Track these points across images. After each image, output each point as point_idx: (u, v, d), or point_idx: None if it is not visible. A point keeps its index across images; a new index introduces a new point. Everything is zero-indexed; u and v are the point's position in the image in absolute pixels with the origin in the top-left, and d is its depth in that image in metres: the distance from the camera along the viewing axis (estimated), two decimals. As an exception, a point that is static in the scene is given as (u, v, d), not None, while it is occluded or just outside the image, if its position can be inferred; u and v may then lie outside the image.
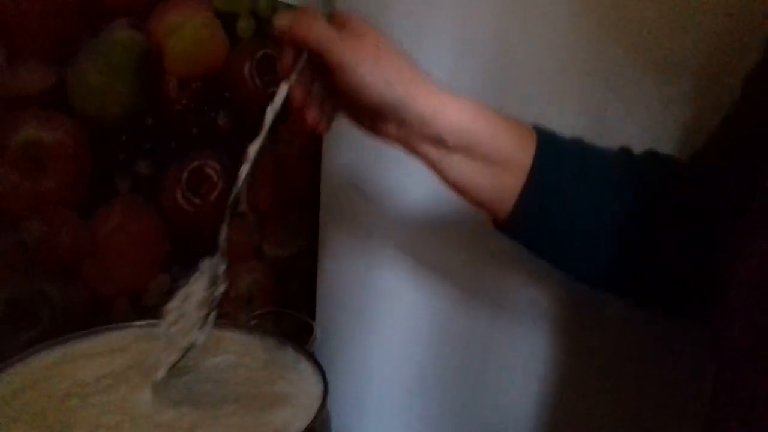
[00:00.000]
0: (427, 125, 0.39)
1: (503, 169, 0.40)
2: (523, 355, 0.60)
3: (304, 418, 0.39)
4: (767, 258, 0.28)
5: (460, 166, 0.40)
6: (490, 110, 0.41)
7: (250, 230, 0.75)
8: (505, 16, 0.56)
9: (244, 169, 0.43)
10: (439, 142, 0.39)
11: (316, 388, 0.43)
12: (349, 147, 0.68)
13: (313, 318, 0.75)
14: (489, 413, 0.63)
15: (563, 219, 0.42)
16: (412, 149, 0.41)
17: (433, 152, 0.40)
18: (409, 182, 0.62)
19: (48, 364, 0.44)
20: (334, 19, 0.40)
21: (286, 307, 0.78)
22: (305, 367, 0.46)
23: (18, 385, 0.41)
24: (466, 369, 0.64)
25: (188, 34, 0.62)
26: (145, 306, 0.64)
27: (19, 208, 0.52)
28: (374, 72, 0.37)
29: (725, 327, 0.30)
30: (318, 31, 0.38)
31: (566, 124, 0.47)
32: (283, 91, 0.40)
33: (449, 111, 0.39)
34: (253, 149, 0.42)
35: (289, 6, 0.73)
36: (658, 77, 0.49)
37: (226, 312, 0.72)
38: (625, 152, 0.44)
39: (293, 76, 0.40)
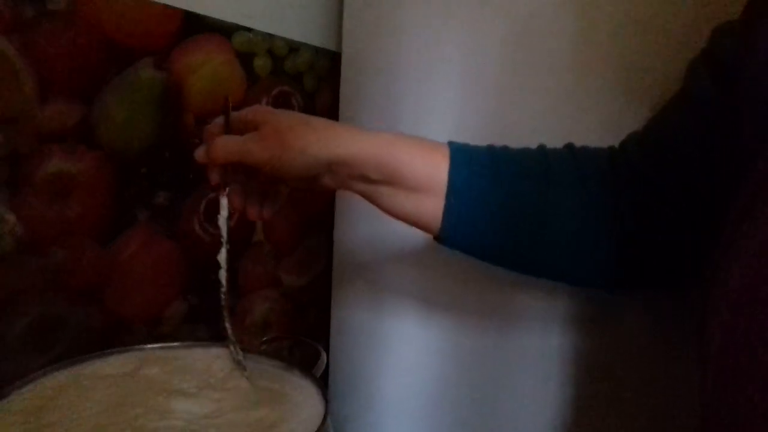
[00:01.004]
0: (351, 167, 0.43)
1: (425, 194, 0.44)
2: (533, 382, 0.60)
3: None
4: (746, 280, 0.28)
5: (388, 197, 0.44)
6: (404, 139, 0.45)
7: (265, 259, 0.77)
8: (512, 44, 0.58)
9: (222, 274, 0.49)
10: (365, 178, 0.44)
11: (318, 410, 0.44)
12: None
13: (327, 346, 0.76)
14: (505, 430, 0.62)
15: (488, 223, 0.44)
16: (348, 188, 0.46)
17: (363, 188, 0.45)
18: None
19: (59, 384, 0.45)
20: (236, 120, 0.47)
21: (302, 335, 0.79)
22: (308, 388, 0.47)
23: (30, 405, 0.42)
24: (475, 397, 0.63)
25: (208, 72, 0.66)
26: (161, 331, 0.66)
27: (45, 234, 0.54)
28: (286, 153, 0.42)
29: (707, 336, 0.30)
30: (227, 150, 0.44)
31: (576, 138, 0.49)
32: (224, 203, 0.47)
33: (366, 149, 0.43)
34: (221, 257, 0.48)
35: (303, 44, 0.76)
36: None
37: (240, 339, 0.74)
38: (542, 150, 0.46)
39: (225, 191, 0.47)
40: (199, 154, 0.46)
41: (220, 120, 0.48)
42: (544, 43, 0.57)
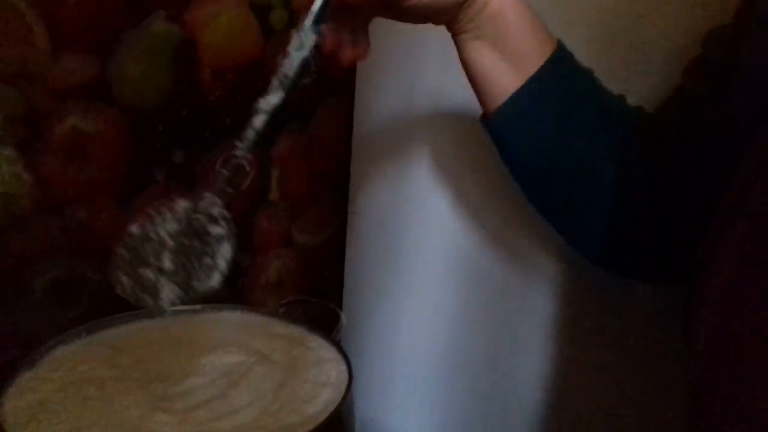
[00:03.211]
0: (477, 10, 0.41)
1: (513, 66, 0.43)
2: (546, 341, 0.61)
3: (329, 404, 0.40)
4: (729, 282, 0.29)
5: (481, 49, 0.43)
6: (528, 8, 0.44)
7: (280, 217, 0.76)
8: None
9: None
10: (478, 24, 0.42)
11: (342, 376, 0.44)
12: (379, 137, 0.69)
13: (341, 304, 0.77)
14: (514, 399, 0.63)
15: (540, 128, 0.44)
16: (456, 34, 0.43)
17: (470, 36, 0.43)
18: (437, 172, 0.62)
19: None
20: None
21: (316, 293, 0.80)
22: (331, 354, 0.47)
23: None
24: (491, 356, 0.64)
25: (223, 25, 0.64)
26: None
27: (62, 195, 0.54)
28: None
29: (692, 336, 0.31)
30: None
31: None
32: (309, 39, 0.38)
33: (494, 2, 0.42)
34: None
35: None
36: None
37: (255, 298, 0.75)
38: (626, 105, 0.46)
39: (313, 25, 0.38)
40: None
41: None
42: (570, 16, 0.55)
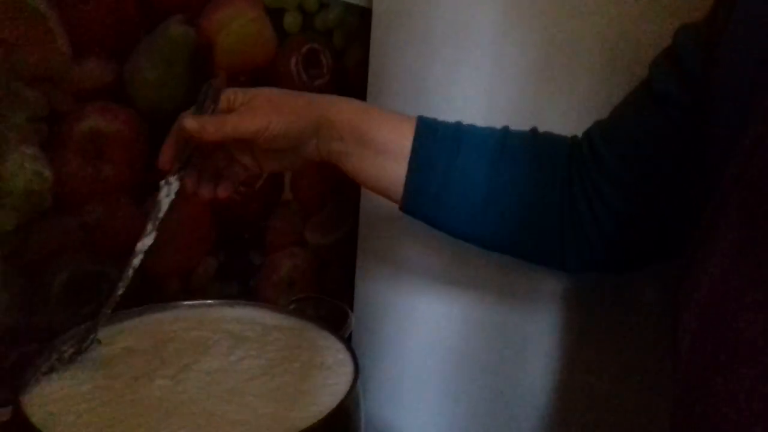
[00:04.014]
0: (333, 128, 0.45)
1: (389, 158, 0.46)
2: (554, 340, 0.61)
3: (336, 399, 0.41)
4: (716, 286, 0.28)
5: (357, 159, 0.46)
6: (375, 109, 0.48)
7: (292, 217, 0.77)
8: (547, 7, 0.57)
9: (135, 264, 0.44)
10: (341, 139, 0.46)
11: (349, 372, 0.45)
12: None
13: (351, 304, 0.77)
14: (522, 399, 0.64)
15: (447, 195, 0.46)
16: (326, 154, 0.47)
17: (338, 148, 0.46)
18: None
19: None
20: (223, 99, 0.45)
21: (327, 293, 0.81)
22: (338, 350, 0.48)
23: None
24: (499, 357, 0.65)
25: (238, 29, 0.65)
26: (192, 287, 0.67)
27: (82, 192, 0.55)
28: (282, 118, 0.43)
29: (678, 336, 0.31)
30: (223, 125, 0.42)
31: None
32: (174, 187, 0.44)
33: (343, 111, 0.46)
34: (144, 243, 0.44)
35: (333, 1, 0.75)
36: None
37: (267, 296, 0.76)
38: (504, 129, 0.48)
39: (178, 175, 0.44)
40: (192, 125, 0.42)
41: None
42: (582, 9, 0.55)
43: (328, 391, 0.43)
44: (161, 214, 0.43)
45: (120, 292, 0.44)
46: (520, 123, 0.59)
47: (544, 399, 0.62)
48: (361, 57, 0.78)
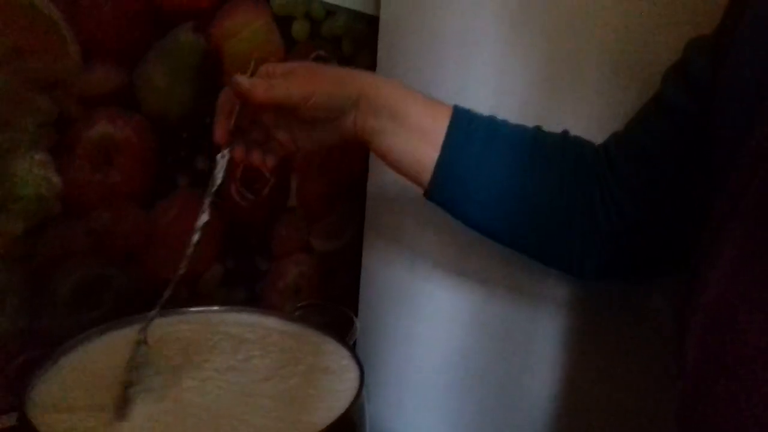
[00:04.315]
0: (373, 101, 0.45)
1: (423, 140, 0.46)
2: (557, 346, 0.61)
3: (341, 407, 0.41)
4: (721, 289, 0.29)
5: (391, 138, 0.46)
6: (413, 89, 0.48)
7: (298, 224, 0.78)
8: (556, 10, 0.57)
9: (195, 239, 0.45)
10: (378, 114, 0.46)
11: (354, 379, 0.45)
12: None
13: (356, 311, 0.77)
14: (528, 406, 0.63)
15: (475, 185, 0.46)
16: (362, 130, 0.47)
17: (374, 124, 0.46)
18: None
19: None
20: (267, 73, 0.46)
21: (332, 299, 0.81)
22: (343, 357, 0.48)
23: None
24: (504, 365, 0.64)
25: (247, 37, 0.65)
26: (200, 292, 0.68)
27: (89, 198, 0.56)
28: (323, 87, 0.45)
29: (683, 347, 0.31)
30: (272, 90, 0.44)
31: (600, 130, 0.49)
32: (224, 161, 0.46)
33: (384, 87, 0.46)
34: (201, 219, 0.45)
35: (340, 8, 0.75)
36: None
37: (273, 302, 0.76)
38: (536, 129, 0.48)
39: (230, 148, 0.46)
40: (244, 83, 0.43)
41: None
42: (583, 21, 0.55)
43: (333, 397, 0.43)
44: (214, 188, 0.45)
45: (181, 271, 0.45)
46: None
47: (550, 406, 0.62)
48: (368, 64, 0.79)
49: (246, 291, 0.73)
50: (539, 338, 0.62)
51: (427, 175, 0.47)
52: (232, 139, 0.46)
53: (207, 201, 0.45)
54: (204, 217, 0.45)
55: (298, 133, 0.48)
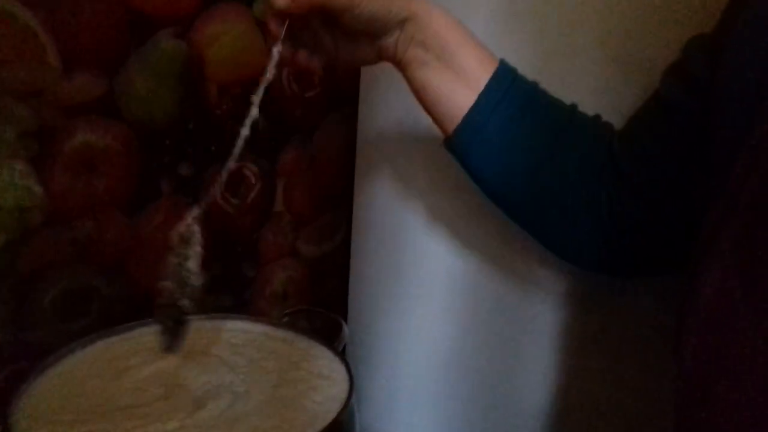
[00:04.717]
0: (420, 27, 0.44)
1: (461, 83, 0.45)
2: (549, 351, 0.61)
3: (330, 413, 0.41)
4: (719, 290, 0.29)
5: (431, 72, 0.45)
6: (466, 29, 0.46)
7: (285, 229, 0.77)
8: (532, 36, 0.57)
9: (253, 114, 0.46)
10: (424, 45, 0.44)
11: (343, 385, 0.45)
12: (382, 150, 0.69)
13: (345, 315, 0.77)
14: (518, 409, 0.64)
15: (498, 145, 0.46)
16: (401, 53, 0.45)
17: (415, 54, 0.45)
18: (440, 183, 0.63)
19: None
20: None
21: (320, 304, 0.81)
22: (332, 363, 0.48)
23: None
24: (495, 366, 0.65)
25: (228, 42, 0.65)
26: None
27: (72, 207, 0.55)
28: None
29: (680, 347, 0.31)
30: None
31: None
32: (276, 55, 0.45)
33: (438, 18, 0.44)
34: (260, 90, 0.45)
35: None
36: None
37: (261, 308, 0.75)
38: (573, 107, 0.48)
39: (279, 45, 0.45)
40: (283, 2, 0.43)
41: None
42: (573, 24, 0.56)
43: (323, 403, 0.42)
44: (267, 84, 0.45)
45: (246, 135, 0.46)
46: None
47: (542, 410, 0.62)
48: (352, 69, 0.79)
49: (233, 297, 0.72)
50: (532, 341, 0.62)
51: (455, 118, 0.46)
52: (285, 34, 0.45)
53: (257, 98, 0.45)
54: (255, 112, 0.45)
55: (342, 43, 0.47)
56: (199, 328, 0.53)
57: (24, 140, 0.51)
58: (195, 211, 0.45)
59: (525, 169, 0.46)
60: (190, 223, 0.45)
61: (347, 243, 0.78)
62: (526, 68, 0.58)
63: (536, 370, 0.62)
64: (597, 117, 0.48)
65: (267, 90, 0.45)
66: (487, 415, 0.66)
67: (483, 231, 0.62)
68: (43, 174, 0.53)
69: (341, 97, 0.79)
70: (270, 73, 0.45)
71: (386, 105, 0.70)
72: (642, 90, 0.52)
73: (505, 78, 0.45)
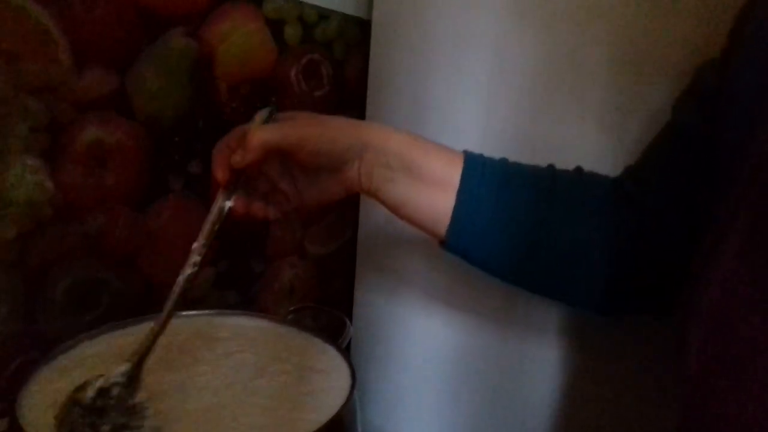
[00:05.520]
0: (379, 153, 0.44)
1: (437, 189, 0.45)
2: (554, 348, 0.61)
3: (332, 410, 0.41)
4: (724, 290, 0.29)
5: (404, 188, 0.45)
6: (422, 138, 0.46)
7: (292, 227, 0.78)
8: (548, 19, 0.57)
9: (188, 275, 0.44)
10: (388, 166, 0.45)
11: (345, 382, 0.45)
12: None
13: (350, 314, 0.77)
14: (522, 409, 0.64)
15: (493, 230, 0.45)
16: (368, 181, 0.45)
17: (383, 175, 0.45)
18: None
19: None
20: (275, 119, 0.45)
21: (326, 302, 0.81)
22: (336, 361, 0.48)
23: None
24: (499, 367, 0.65)
25: (239, 41, 0.66)
26: (191, 297, 0.68)
27: (83, 202, 0.56)
28: (327, 132, 0.43)
29: (687, 353, 0.31)
30: (267, 134, 0.42)
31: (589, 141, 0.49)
32: (226, 207, 0.44)
33: (392, 138, 0.45)
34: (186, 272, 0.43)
35: (332, 12, 0.75)
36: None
37: (267, 305, 0.76)
38: (551, 168, 0.47)
39: (231, 197, 0.44)
40: (236, 159, 0.43)
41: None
42: (579, 22, 0.56)
43: (325, 399, 0.43)
44: (211, 238, 0.43)
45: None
46: (519, 134, 0.60)
47: (545, 408, 0.62)
48: (360, 68, 0.79)
49: (239, 293, 0.73)
50: (535, 341, 0.62)
51: (443, 224, 0.46)
52: (234, 188, 0.44)
53: (200, 248, 0.43)
54: (189, 269, 0.43)
55: (303, 185, 0.47)
56: (205, 322, 0.54)
57: (35, 135, 0.52)
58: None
59: (525, 241, 0.45)
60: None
61: (354, 242, 0.79)
62: (532, 68, 0.59)
63: (539, 371, 0.62)
64: (578, 169, 0.48)
65: (209, 243, 0.43)
66: (490, 413, 0.66)
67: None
68: (55, 169, 0.53)
69: (350, 97, 0.80)
70: (215, 224, 0.43)
71: (393, 106, 0.71)
72: (650, 90, 0.52)
73: (475, 168, 0.46)
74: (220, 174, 0.44)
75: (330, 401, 0.42)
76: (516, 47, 0.59)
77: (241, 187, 0.45)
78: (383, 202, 0.47)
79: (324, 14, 0.75)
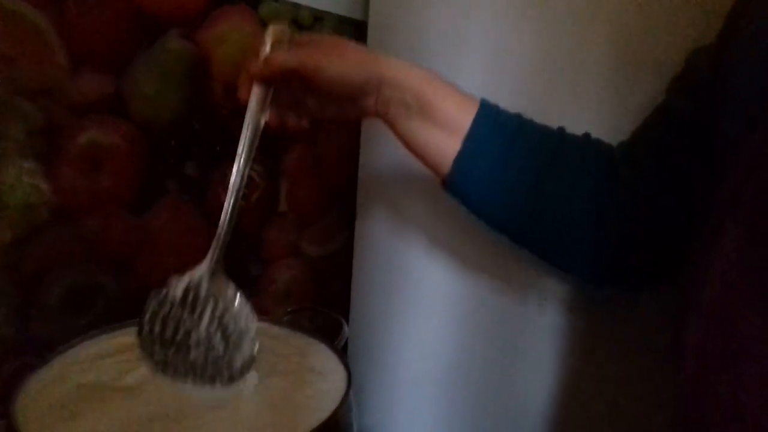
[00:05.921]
0: (397, 88, 0.45)
1: (446, 131, 0.46)
2: (550, 351, 0.61)
3: (328, 409, 0.41)
4: (722, 286, 0.29)
5: (414, 125, 0.47)
6: (441, 79, 0.47)
7: (289, 228, 0.78)
8: (544, 20, 0.57)
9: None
10: (403, 102, 0.46)
11: (341, 384, 0.45)
12: (385, 148, 0.70)
13: (347, 315, 0.78)
14: (520, 410, 0.64)
15: (494, 181, 0.47)
16: (382, 111, 0.47)
17: (396, 112, 0.46)
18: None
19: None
20: (295, 42, 0.47)
21: (323, 304, 0.81)
22: (331, 360, 0.48)
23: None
24: (496, 368, 0.65)
25: (235, 43, 0.66)
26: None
27: (79, 204, 0.56)
28: (347, 60, 0.44)
29: (685, 350, 0.31)
30: (286, 57, 0.44)
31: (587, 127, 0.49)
32: (261, 120, 0.46)
33: (411, 76, 0.46)
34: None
35: (328, 14, 0.75)
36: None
37: (263, 306, 0.76)
38: (561, 131, 0.48)
39: (266, 110, 0.47)
40: (254, 66, 0.45)
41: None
42: (578, 23, 0.56)
43: (320, 400, 0.43)
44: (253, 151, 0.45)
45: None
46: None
47: (543, 410, 0.62)
48: (357, 70, 0.79)
49: (237, 296, 0.73)
50: (532, 342, 0.62)
51: (446, 165, 0.47)
52: (265, 104, 0.46)
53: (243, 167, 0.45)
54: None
55: (326, 104, 0.48)
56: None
57: (32, 138, 0.52)
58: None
59: (523, 198, 0.46)
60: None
61: (350, 243, 0.79)
62: (531, 66, 0.59)
63: (538, 372, 0.62)
64: (587, 135, 0.49)
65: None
66: (487, 414, 0.66)
67: (485, 233, 0.62)
68: (51, 172, 0.53)
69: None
70: (254, 141, 0.45)
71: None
72: (650, 89, 0.52)
73: (487, 118, 0.46)
74: (243, 93, 0.46)
75: (326, 402, 0.42)
76: (513, 48, 0.59)
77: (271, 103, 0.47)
78: (395, 134, 0.48)
79: (319, 16, 0.75)
